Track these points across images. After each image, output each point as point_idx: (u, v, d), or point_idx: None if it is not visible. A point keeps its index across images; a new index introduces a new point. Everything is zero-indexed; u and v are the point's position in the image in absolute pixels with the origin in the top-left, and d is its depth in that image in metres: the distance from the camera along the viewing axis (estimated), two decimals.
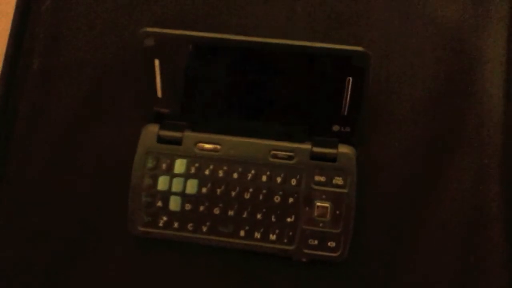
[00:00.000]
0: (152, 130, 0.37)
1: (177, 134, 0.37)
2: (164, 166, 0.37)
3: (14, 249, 0.40)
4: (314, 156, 0.36)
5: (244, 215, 0.36)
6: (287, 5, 0.40)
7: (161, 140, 0.37)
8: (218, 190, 0.36)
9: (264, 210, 0.36)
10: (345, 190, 0.36)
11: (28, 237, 0.39)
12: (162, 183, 0.37)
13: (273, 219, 0.36)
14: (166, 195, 0.37)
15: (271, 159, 0.36)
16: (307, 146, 0.36)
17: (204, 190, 0.36)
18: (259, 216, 0.36)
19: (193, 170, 0.37)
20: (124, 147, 0.39)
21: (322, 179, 0.36)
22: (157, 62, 0.36)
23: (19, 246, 0.39)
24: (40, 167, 0.40)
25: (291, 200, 0.36)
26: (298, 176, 0.36)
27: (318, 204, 0.36)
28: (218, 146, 0.37)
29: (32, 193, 0.40)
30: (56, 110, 0.40)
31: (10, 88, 0.41)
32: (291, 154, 0.36)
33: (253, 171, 0.36)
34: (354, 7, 0.40)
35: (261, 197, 0.36)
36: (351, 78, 0.35)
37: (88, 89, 0.40)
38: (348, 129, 0.36)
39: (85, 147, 0.40)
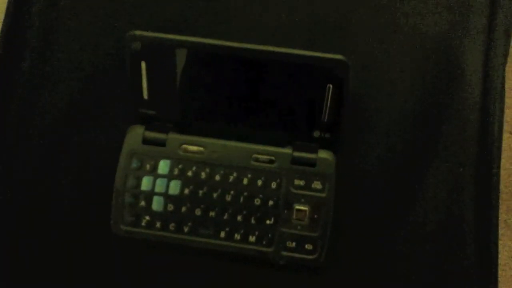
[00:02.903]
0: (137, 131, 0.38)
1: (161, 136, 0.38)
2: (148, 166, 0.38)
3: None
4: (295, 161, 0.37)
5: (225, 217, 0.37)
6: (272, 13, 0.41)
7: (146, 141, 0.38)
8: (200, 192, 0.37)
9: (244, 212, 0.37)
10: (323, 195, 0.37)
11: (12, 236, 0.40)
12: (145, 183, 0.37)
13: (253, 221, 0.37)
14: (149, 196, 0.37)
15: (253, 163, 0.37)
16: (288, 150, 0.37)
17: (186, 191, 0.37)
18: (239, 218, 0.37)
19: (176, 172, 0.37)
20: (109, 148, 0.39)
21: (302, 183, 0.37)
22: (143, 64, 0.37)
23: (4, 244, 0.40)
24: (26, 168, 0.40)
25: (271, 203, 0.37)
26: (278, 180, 0.37)
27: (297, 207, 0.37)
28: (202, 149, 0.38)
29: (19, 192, 0.40)
30: (44, 111, 0.41)
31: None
32: (272, 158, 0.37)
33: (235, 174, 0.37)
34: (337, 17, 0.40)
35: (242, 199, 0.37)
36: (331, 86, 0.36)
37: (76, 90, 0.41)
38: (328, 135, 0.37)
39: (72, 147, 0.40)
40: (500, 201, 0.40)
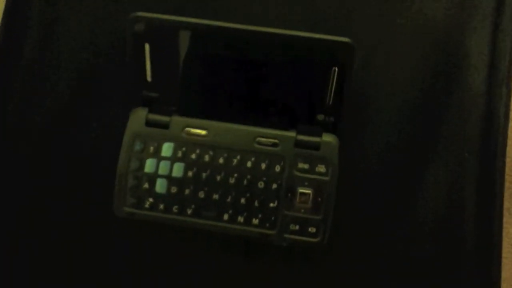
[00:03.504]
0: (140, 113, 0.38)
1: (165, 118, 0.38)
2: (151, 149, 0.37)
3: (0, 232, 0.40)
4: (298, 144, 0.37)
5: (228, 200, 0.37)
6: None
7: (149, 123, 0.38)
8: (204, 174, 0.37)
9: (247, 195, 0.37)
10: (327, 178, 0.37)
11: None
12: (149, 166, 0.37)
13: (256, 204, 0.37)
14: (152, 178, 0.37)
15: (256, 146, 0.37)
16: (291, 134, 0.37)
17: (190, 174, 0.37)
18: (242, 200, 0.37)
19: (179, 154, 0.37)
20: (113, 130, 0.39)
21: (305, 166, 0.37)
22: (147, 46, 0.37)
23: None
24: (29, 151, 0.40)
25: (274, 186, 0.37)
26: (282, 163, 0.37)
27: (300, 190, 0.37)
28: (205, 132, 0.37)
29: (21, 176, 0.40)
30: (47, 96, 0.41)
31: (2, 76, 0.41)
32: (275, 141, 0.37)
33: (238, 157, 0.37)
34: (340, 6, 0.40)
35: (245, 182, 0.37)
36: (336, 69, 0.36)
37: (78, 73, 0.41)
38: (332, 118, 0.37)
39: (75, 130, 0.40)
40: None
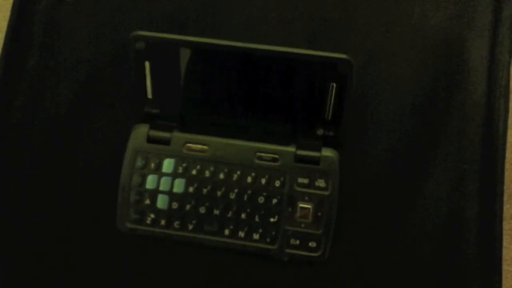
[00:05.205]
0: (142, 130, 0.38)
1: (166, 135, 0.38)
2: (152, 165, 0.38)
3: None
4: (298, 159, 0.37)
5: (229, 215, 0.37)
6: (275, 11, 0.41)
7: (150, 139, 0.38)
8: (204, 190, 0.37)
9: (248, 210, 0.37)
10: (327, 192, 0.37)
11: (12, 236, 0.40)
12: (150, 181, 0.38)
13: (256, 219, 0.37)
14: (154, 194, 0.38)
15: (257, 161, 0.37)
16: (291, 149, 0.37)
17: (190, 189, 0.37)
18: (243, 215, 0.37)
19: (180, 170, 0.38)
20: (114, 146, 0.40)
21: (305, 181, 0.37)
22: (148, 64, 0.37)
23: (4, 244, 0.41)
24: (31, 164, 0.41)
25: (274, 201, 0.37)
26: (282, 178, 0.37)
27: (301, 205, 0.37)
28: (206, 147, 0.38)
29: (23, 190, 0.41)
30: (49, 108, 0.41)
31: (5, 85, 0.42)
32: (275, 156, 0.37)
33: (238, 172, 0.37)
34: (340, 13, 0.41)
35: (245, 197, 0.37)
36: (334, 84, 0.36)
37: (81, 88, 0.41)
38: (331, 133, 0.37)
39: (77, 145, 0.41)
40: (506, 197, 0.40)
